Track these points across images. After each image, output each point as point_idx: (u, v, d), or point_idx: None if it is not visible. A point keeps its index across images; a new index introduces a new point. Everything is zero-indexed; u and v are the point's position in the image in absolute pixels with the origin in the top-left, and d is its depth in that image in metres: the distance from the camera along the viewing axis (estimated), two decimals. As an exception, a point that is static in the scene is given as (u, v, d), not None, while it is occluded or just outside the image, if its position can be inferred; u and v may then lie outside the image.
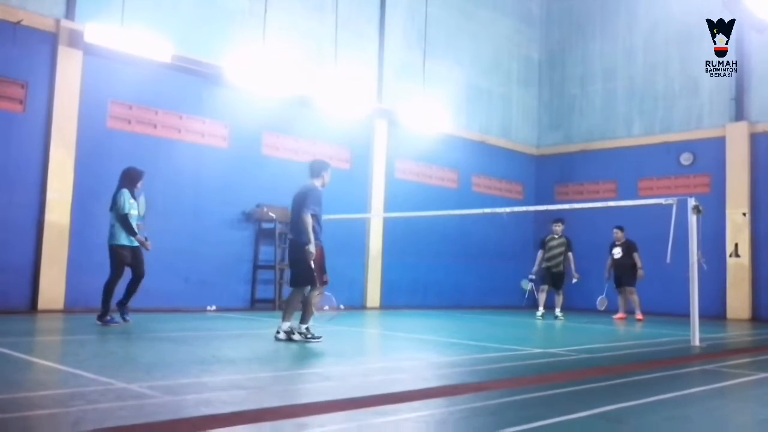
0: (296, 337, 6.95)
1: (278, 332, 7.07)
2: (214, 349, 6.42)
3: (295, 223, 7.16)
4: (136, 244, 8.38)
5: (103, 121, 10.91)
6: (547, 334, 9.86)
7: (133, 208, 8.37)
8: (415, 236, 14.94)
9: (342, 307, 7.81)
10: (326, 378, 4.99)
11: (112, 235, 8.34)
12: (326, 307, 7.59)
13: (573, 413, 3.80)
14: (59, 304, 10.23)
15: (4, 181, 9.95)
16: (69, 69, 10.48)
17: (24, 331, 7.77)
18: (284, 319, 7.09)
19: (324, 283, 6.97)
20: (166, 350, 6.37)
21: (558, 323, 11.59)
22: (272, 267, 12.59)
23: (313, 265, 6.86)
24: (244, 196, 12.41)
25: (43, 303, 10.06)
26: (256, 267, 12.59)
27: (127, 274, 8.48)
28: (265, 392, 4.23)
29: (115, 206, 8.31)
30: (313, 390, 4.43)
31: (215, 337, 7.59)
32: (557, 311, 12.47)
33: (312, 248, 6.81)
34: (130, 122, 11.24)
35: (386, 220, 14.20)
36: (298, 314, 7.13)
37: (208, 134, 12.15)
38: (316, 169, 7.32)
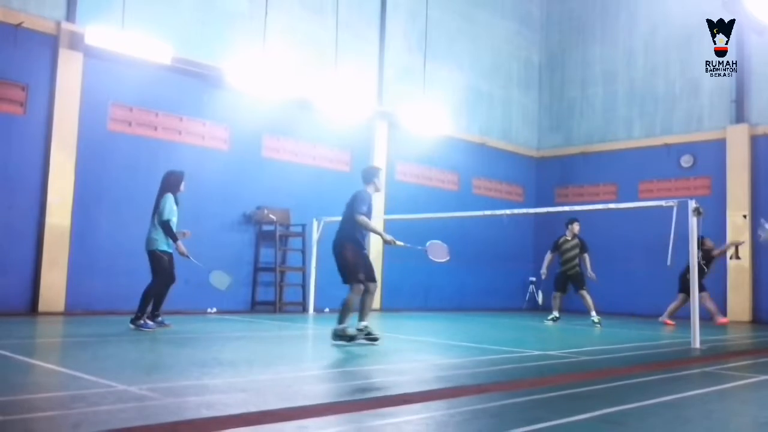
0: (350, 330, 7.08)
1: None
2: (214, 351, 6.42)
3: (342, 224, 7.38)
4: (172, 249, 8.34)
5: (103, 124, 10.92)
6: (547, 336, 9.85)
7: (173, 214, 8.28)
8: (416, 238, 14.84)
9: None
10: (327, 380, 4.99)
11: (154, 240, 8.23)
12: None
13: (574, 415, 3.80)
14: (60, 306, 10.23)
15: (4, 183, 9.95)
16: (69, 71, 10.48)
17: (24, 334, 7.77)
18: (359, 319, 7.19)
19: (357, 281, 7.06)
20: (166, 352, 6.37)
21: (597, 327, 11.05)
22: (272, 269, 12.59)
23: (351, 264, 7.07)
24: (245, 199, 12.42)
25: (43, 305, 10.06)
26: (256, 269, 12.60)
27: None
28: (265, 395, 4.23)
29: (157, 211, 8.25)
30: (314, 392, 4.43)
31: (216, 339, 7.60)
32: (593, 314, 11.52)
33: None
34: (130, 124, 11.25)
35: (387, 222, 14.19)
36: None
37: (208, 136, 12.16)
38: (368, 176, 7.58)
